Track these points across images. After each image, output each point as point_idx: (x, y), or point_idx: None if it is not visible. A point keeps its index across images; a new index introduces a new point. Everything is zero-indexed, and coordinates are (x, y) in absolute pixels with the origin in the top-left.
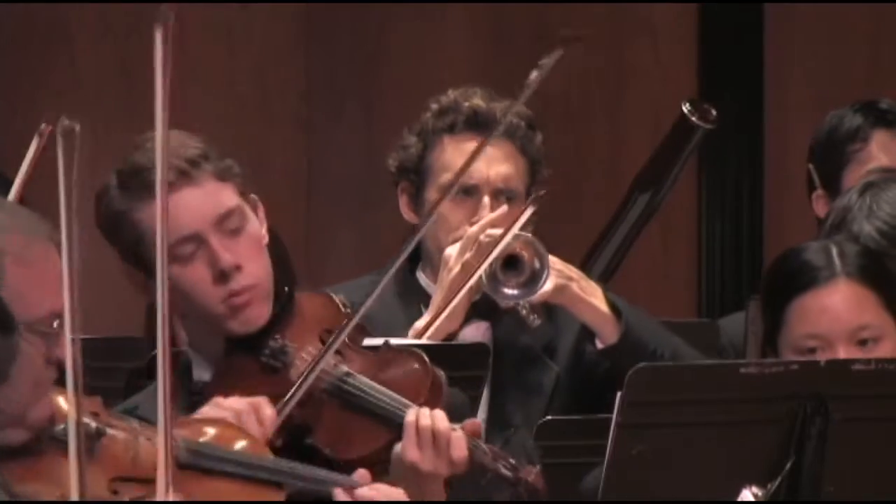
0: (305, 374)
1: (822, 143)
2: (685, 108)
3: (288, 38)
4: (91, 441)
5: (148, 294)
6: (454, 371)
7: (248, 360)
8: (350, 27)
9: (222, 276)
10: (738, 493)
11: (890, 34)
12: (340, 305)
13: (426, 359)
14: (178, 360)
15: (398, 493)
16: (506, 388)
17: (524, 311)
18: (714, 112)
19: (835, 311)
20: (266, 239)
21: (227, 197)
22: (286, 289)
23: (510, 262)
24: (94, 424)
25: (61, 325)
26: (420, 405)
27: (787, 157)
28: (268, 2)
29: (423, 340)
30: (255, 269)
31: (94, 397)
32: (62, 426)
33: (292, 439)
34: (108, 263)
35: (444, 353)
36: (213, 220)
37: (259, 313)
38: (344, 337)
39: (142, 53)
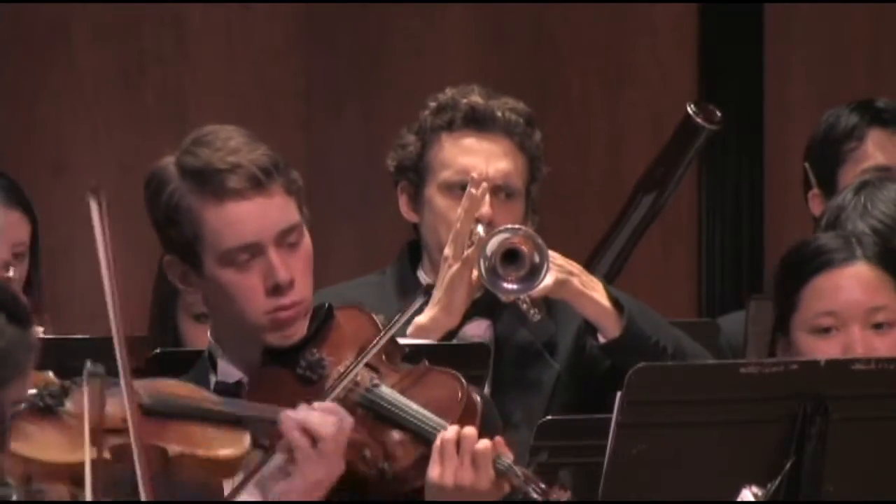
0: (336, 382)
1: (818, 142)
2: (690, 109)
3: (288, 38)
4: (59, 399)
5: (186, 285)
6: (455, 370)
7: (283, 371)
8: (350, 27)
9: (276, 289)
10: (738, 492)
11: (890, 34)
12: (379, 324)
13: (462, 379)
14: (197, 359)
15: (340, 413)
16: (506, 385)
17: (524, 306)
18: (719, 113)
19: (852, 290)
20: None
21: (292, 212)
22: (326, 305)
23: (510, 256)
24: (57, 385)
25: None
26: (453, 424)
27: (787, 157)
28: (268, 2)
29: (425, 341)
30: (303, 287)
31: (44, 371)
32: (29, 396)
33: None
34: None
35: (445, 352)
36: (276, 232)
37: (298, 329)
38: (377, 349)
39: (142, 53)
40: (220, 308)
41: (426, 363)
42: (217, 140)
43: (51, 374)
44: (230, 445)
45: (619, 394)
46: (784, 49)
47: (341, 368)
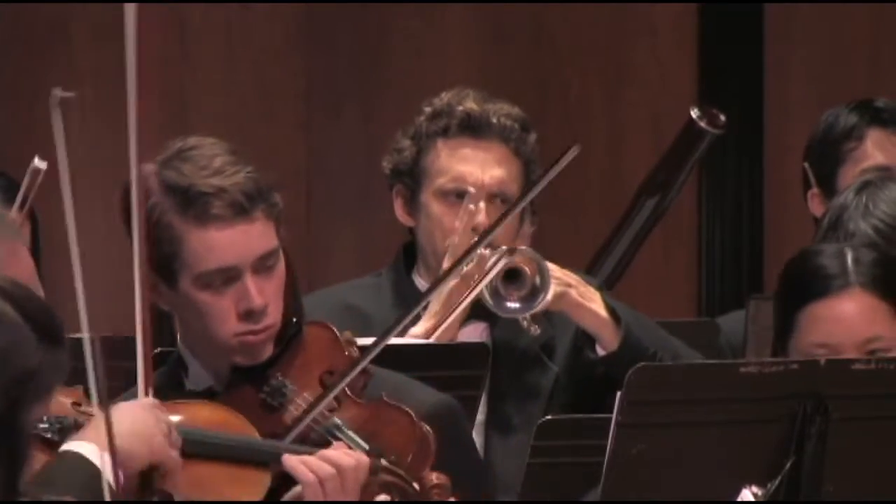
0: (298, 421)
1: (817, 142)
2: (694, 113)
3: (288, 38)
4: (69, 433)
5: (155, 296)
6: (454, 371)
7: (249, 392)
8: (350, 27)
9: (248, 314)
10: (737, 492)
11: (890, 34)
12: (345, 346)
13: (414, 417)
14: (167, 358)
15: (354, 459)
16: (504, 389)
17: (525, 323)
18: (723, 117)
19: (847, 322)
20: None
21: (271, 237)
22: (294, 320)
23: (511, 274)
24: (71, 417)
25: None
26: (408, 463)
27: (787, 158)
28: (268, 2)
29: (424, 340)
30: (275, 311)
31: (74, 388)
32: (42, 421)
33: (282, 484)
34: (109, 264)
35: (444, 352)
36: (255, 258)
37: (266, 351)
38: (342, 388)
39: (142, 54)
40: (189, 323)
41: (383, 397)
42: (202, 158)
43: (80, 391)
44: (244, 493)
45: (618, 393)
46: (784, 49)
47: (300, 401)
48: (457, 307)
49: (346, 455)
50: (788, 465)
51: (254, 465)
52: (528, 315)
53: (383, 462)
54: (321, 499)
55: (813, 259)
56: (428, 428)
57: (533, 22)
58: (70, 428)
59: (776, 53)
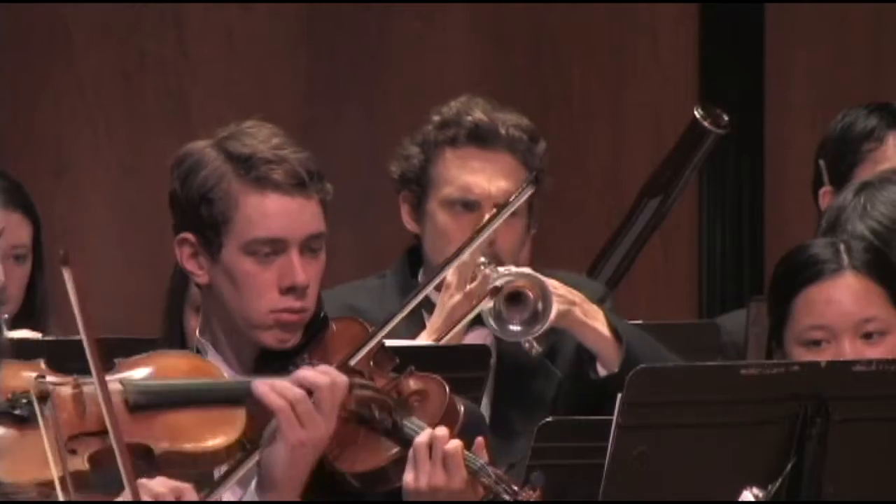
0: None
1: (834, 141)
2: (697, 113)
3: (288, 38)
4: (31, 408)
5: (193, 267)
6: (455, 372)
7: (273, 376)
8: (350, 28)
9: (290, 289)
10: (738, 493)
11: (891, 35)
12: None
13: (446, 386)
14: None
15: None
16: (508, 394)
17: (527, 345)
18: (726, 117)
19: (841, 303)
20: None
21: (322, 220)
22: (322, 314)
23: (514, 297)
24: (33, 393)
25: None
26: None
27: (788, 158)
28: (268, 2)
29: (425, 342)
30: (313, 295)
31: (35, 361)
32: (10, 399)
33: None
34: (110, 265)
35: (446, 354)
36: (305, 235)
37: (295, 337)
38: (362, 354)
39: (142, 53)
40: (223, 298)
41: (412, 369)
42: (261, 133)
43: (42, 364)
44: (221, 432)
45: (619, 395)
46: (785, 50)
47: None
48: (457, 324)
49: (321, 373)
50: (789, 466)
51: (227, 405)
52: (530, 337)
53: (359, 380)
54: (295, 424)
55: (804, 250)
56: (461, 406)
57: (533, 23)
58: (30, 401)
59: (777, 54)
